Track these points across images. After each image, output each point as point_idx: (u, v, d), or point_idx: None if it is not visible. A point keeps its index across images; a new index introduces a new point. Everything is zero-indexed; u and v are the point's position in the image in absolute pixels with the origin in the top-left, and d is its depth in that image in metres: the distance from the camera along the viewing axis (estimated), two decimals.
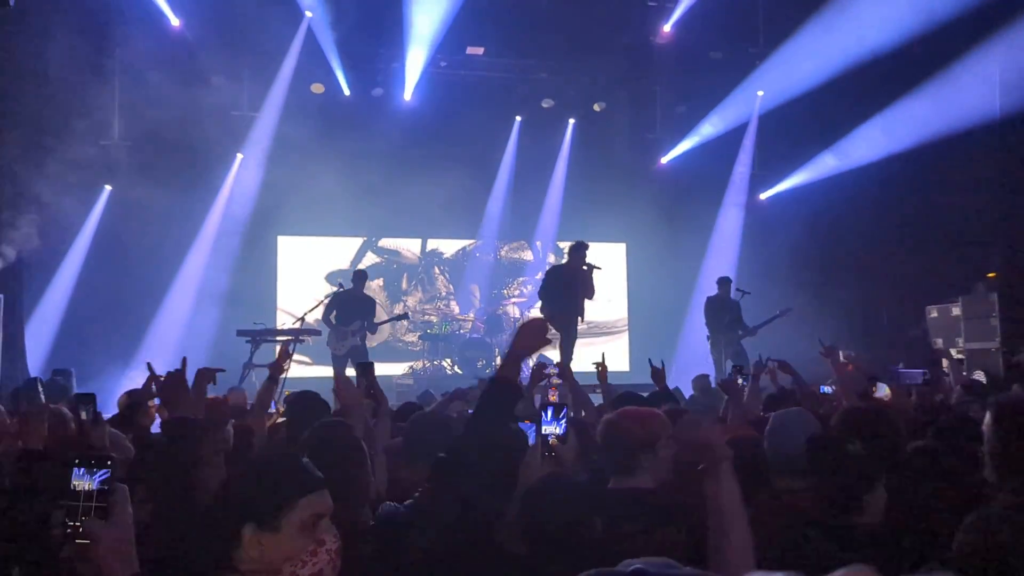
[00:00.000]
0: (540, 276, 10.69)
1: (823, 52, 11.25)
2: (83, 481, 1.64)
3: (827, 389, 5.69)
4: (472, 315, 13.07)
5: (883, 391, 5.53)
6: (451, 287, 13.76)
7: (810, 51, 11.37)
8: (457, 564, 2.24)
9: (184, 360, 3.49)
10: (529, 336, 2.51)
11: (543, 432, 3.24)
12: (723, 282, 10.75)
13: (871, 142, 11.86)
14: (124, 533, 1.64)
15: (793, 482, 2.82)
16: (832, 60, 11.26)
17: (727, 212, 13.58)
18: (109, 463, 1.66)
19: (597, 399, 5.43)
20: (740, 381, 4.89)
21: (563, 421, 3.23)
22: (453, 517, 2.26)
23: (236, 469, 1.73)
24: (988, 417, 2.69)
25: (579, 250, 9.10)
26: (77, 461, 1.65)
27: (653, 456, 2.81)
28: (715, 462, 2.17)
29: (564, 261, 9.25)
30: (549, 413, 3.28)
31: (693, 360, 11.48)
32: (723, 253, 13.26)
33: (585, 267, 9.00)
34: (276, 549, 1.67)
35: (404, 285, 13.68)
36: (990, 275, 10.41)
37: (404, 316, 10.96)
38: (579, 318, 9.10)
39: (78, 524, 1.61)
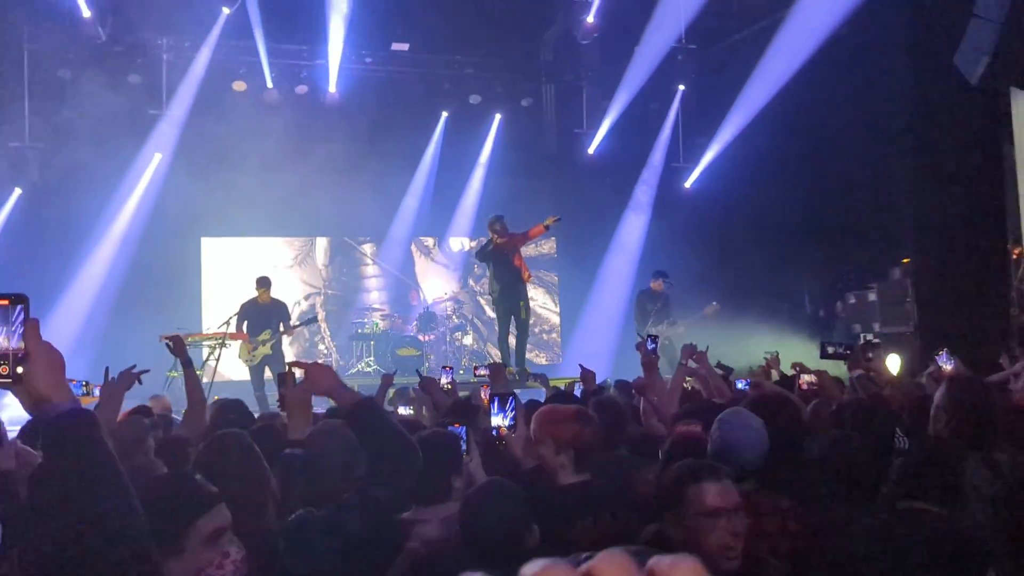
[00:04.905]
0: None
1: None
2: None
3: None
4: (396, 314, 12.99)
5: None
6: (393, 287, 13.60)
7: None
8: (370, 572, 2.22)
9: None
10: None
11: (492, 424, 3.15)
12: (656, 275, 10.89)
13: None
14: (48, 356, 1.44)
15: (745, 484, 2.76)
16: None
17: (636, 206, 13.66)
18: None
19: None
20: (653, 347, 4.61)
21: (510, 411, 3.15)
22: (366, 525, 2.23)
23: None
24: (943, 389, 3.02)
25: (496, 222, 9.26)
26: None
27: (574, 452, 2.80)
28: None
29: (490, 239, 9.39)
30: (496, 404, 3.17)
31: (630, 354, 11.56)
32: (630, 248, 13.38)
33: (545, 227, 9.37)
34: (182, 570, 1.69)
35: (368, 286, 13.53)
36: (904, 260, 10.76)
37: (313, 319, 10.92)
38: (523, 288, 9.29)
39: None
